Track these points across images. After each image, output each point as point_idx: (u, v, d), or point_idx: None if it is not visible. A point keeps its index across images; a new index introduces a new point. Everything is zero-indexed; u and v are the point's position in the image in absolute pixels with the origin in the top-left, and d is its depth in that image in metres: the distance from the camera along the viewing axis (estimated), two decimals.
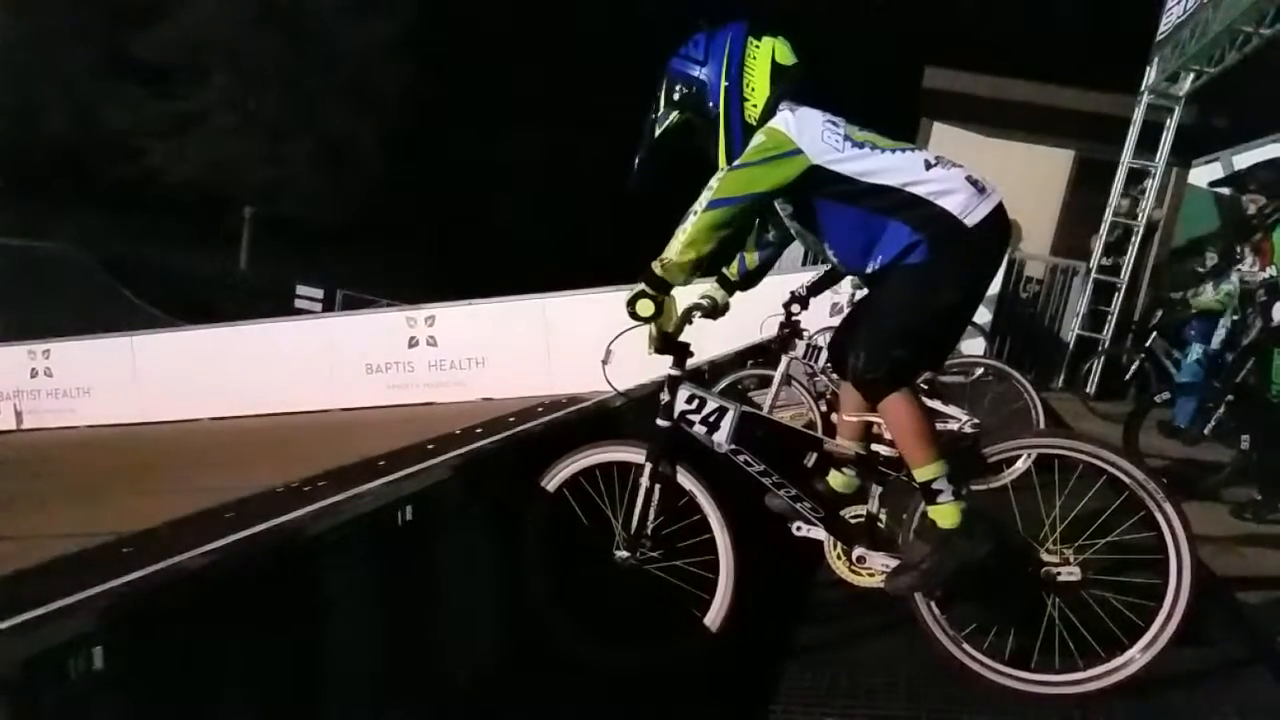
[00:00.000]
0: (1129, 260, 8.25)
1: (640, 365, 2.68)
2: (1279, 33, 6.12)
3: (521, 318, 8.94)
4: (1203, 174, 9.49)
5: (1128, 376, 7.27)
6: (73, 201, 21.43)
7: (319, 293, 19.05)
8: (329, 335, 10.32)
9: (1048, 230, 10.38)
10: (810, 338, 4.73)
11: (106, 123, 22.96)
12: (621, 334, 2.50)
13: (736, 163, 2.38)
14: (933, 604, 2.42)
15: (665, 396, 2.55)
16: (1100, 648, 2.33)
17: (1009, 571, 2.37)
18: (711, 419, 2.52)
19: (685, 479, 2.56)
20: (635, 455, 2.58)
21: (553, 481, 2.67)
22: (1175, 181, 9.24)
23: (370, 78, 24.69)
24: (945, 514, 2.34)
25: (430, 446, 6.38)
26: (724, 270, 2.93)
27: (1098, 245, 8.36)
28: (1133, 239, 8.23)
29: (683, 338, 2.58)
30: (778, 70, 2.51)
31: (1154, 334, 7.12)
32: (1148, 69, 8.12)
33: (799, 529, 2.57)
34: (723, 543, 2.52)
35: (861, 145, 2.42)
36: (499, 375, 9.01)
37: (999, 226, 2.49)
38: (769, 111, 2.46)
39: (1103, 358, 7.89)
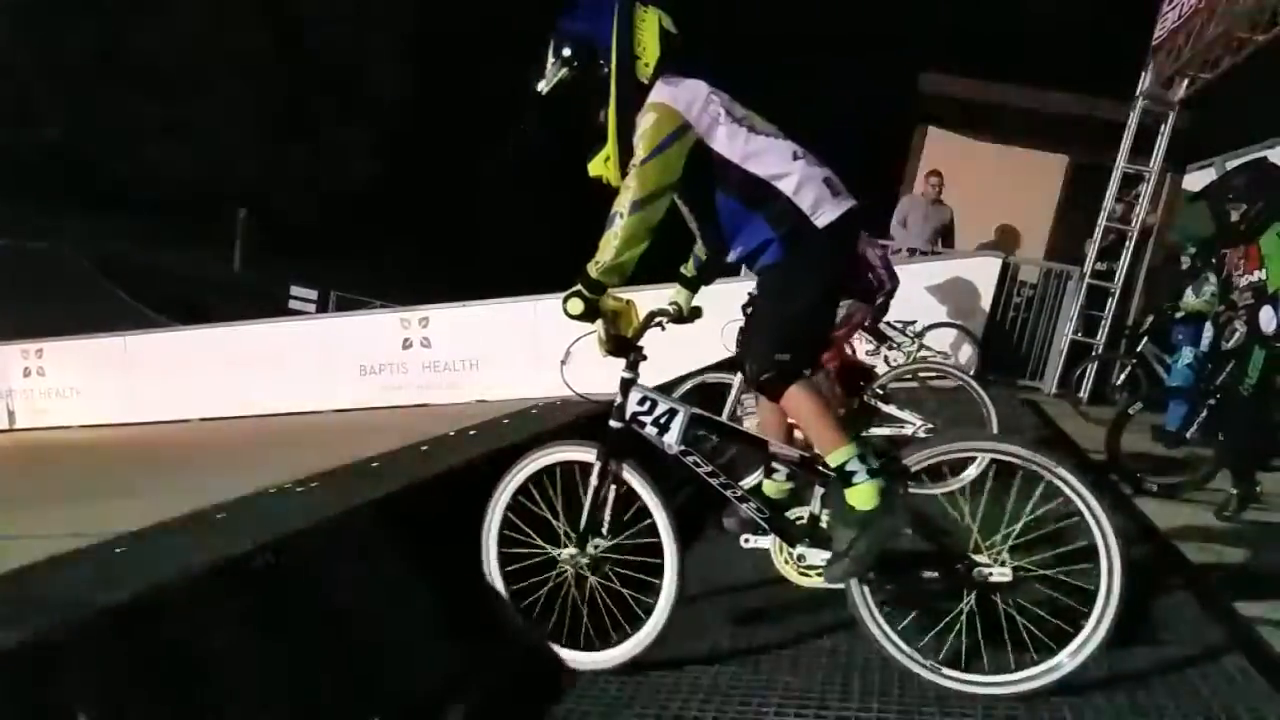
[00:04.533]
0: (1123, 265, 8.27)
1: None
2: (1273, 38, 6.14)
3: (516, 319, 8.92)
4: (1197, 179, 9.52)
5: (1118, 381, 7.29)
6: (66, 201, 21.35)
7: (313, 294, 19.01)
8: (323, 336, 10.31)
9: (1042, 235, 10.42)
10: None
11: (101, 123, 22.89)
12: (581, 337, 2.57)
13: (642, 156, 2.39)
14: (871, 604, 2.44)
15: (618, 398, 2.60)
16: (1032, 650, 2.36)
17: (941, 571, 2.41)
18: (662, 420, 2.57)
19: (634, 479, 2.61)
20: (587, 455, 2.63)
21: (510, 483, 2.72)
22: (1169, 187, 9.28)
23: (366, 79, 24.69)
24: (863, 495, 2.36)
25: (424, 448, 6.36)
26: (681, 270, 2.99)
27: (1091, 250, 8.37)
28: (1127, 244, 8.24)
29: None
30: (665, 35, 2.54)
31: (1144, 339, 7.14)
32: (1143, 74, 8.14)
33: (746, 541, 2.64)
34: (669, 543, 2.57)
35: (740, 121, 2.49)
36: (493, 377, 9.04)
37: (846, 232, 2.52)
38: (658, 74, 2.51)
39: (1096, 362, 7.91)
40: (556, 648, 2.68)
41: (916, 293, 8.38)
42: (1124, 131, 8.15)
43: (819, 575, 2.55)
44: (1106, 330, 8.24)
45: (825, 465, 2.45)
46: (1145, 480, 4.71)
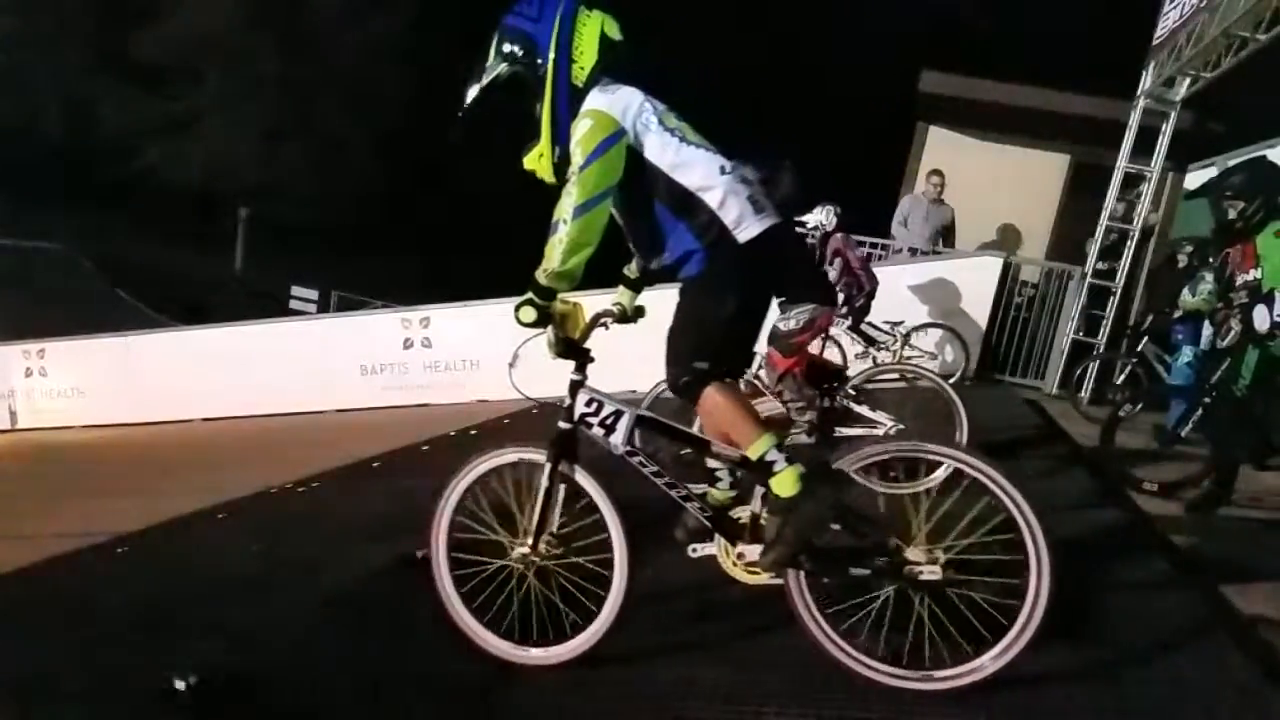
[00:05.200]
0: (1124, 264, 8.26)
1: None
2: (1275, 38, 6.13)
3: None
4: (1198, 179, 9.52)
5: (1119, 380, 7.28)
6: (68, 201, 21.37)
7: (314, 294, 19.04)
8: (324, 336, 10.31)
9: (1043, 234, 10.42)
10: None
11: (102, 123, 22.91)
12: (528, 340, 2.64)
13: (580, 163, 2.43)
14: (809, 600, 2.50)
15: (567, 399, 2.66)
16: (958, 648, 2.42)
17: (873, 568, 2.45)
18: (608, 422, 2.63)
19: (584, 480, 2.66)
20: (537, 456, 2.68)
21: (459, 484, 2.77)
22: (1171, 186, 9.27)
23: (366, 79, 24.68)
24: (784, 482, 2.42)
25: (425, 448, 6.38)
26: (624, 271, 3.05)
27: (1093, 249, 8.37)
28: (1128, 243, 8.24)
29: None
30: (606, 42, 2.60)
31: (1145, 338, 7.14)
32: (1144, 74, 8.14)
33: (694, 551, 2.69)
34: (619, 543, 2.62)
35: (672, 132, 2.54)
36: (494, 377, 8.93)
37: (769, 247, 2.56)
38: (594, 80, 2.56)
39: (1097, 362, 7.90)
40: (507, 644, 2.73)
41: (918, 292, 8.39)
42: (1125, 131, 8.14)
43: (760, 572, 2.60)
44: (1108, 330, 8.22)
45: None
46: (1142, 480, 4.73)
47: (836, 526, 2.46)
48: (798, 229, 7.46)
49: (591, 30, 2.61)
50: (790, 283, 4.70)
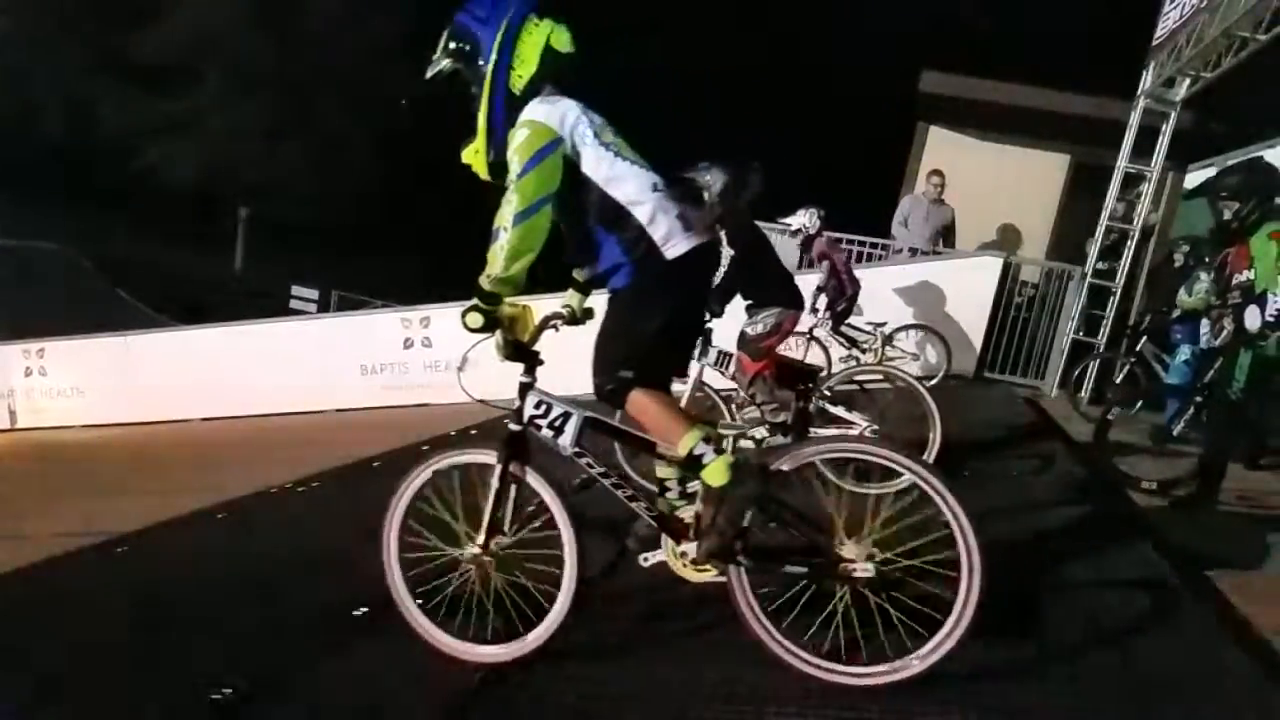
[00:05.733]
0: (1124, 264, 8.25)
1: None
2: (1275, 38, 6.13)
3: None
4: (1199, 178, 9.51)
5: (1117, 380, 7.28)
6: (67, 201, 21.35)
7: (314, 293, 19.03)
8: (324, 336, 10.30)
9: (1043, 234, 10.42)
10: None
11: (102, 122, 22.90)
12: (476, 344, 2.71)
13: (517, 171, 2.48)
14: (751, 597, 2.54)
15: (517, 401, 2.73)
16: (889, 645, 2.46)
17: (810, 565, 2.50)
18: (557, 423, 2.69)
19: (534, 480, 2.71)
20: (487, 457, 2.74)
21: (411, 486, 2.82)
22: (1171, 186, 9.27)
23: (366, 79, 24.65)
24: (714, 473, 2.48)
25: (425, 447, 6.37)
26: (574, 274, 3.11)
27: (1093, 249, 8.36)
28: (1128, 243, 8.23)
29: None
30: (550, 52, 2.67)
31: (1144, 338, 7.14)
32: (1144, 73, 8.13)
33: (645, 560, 2.73)
34: (569, 542, 2.67)
35: (608, 147, 2.61)
36: (494, 377, 8.90)
37: (697, 265, 2.64)
38: (532, 89, 2.64)
39: (1097, 361, 7.90)
40: (459, 642, 2.76)
41: (918, 292, 8.39)
42: (1126, 131, 8.14)
43: (707, 568, 2.65)
44: (1108, 330, 8.22)
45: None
46: (1141, 480, 4.74)
47: (774, 524, 2.51)
48: (786, 232, 7.53)
49: (536, 40, 2.67)
50: (756, 287, 4.80)
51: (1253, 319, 4.22)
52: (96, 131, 22.81)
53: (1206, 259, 6.38)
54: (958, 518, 2.37)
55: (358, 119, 24.90)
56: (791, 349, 6.84)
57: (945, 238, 9.41)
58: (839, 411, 4.61)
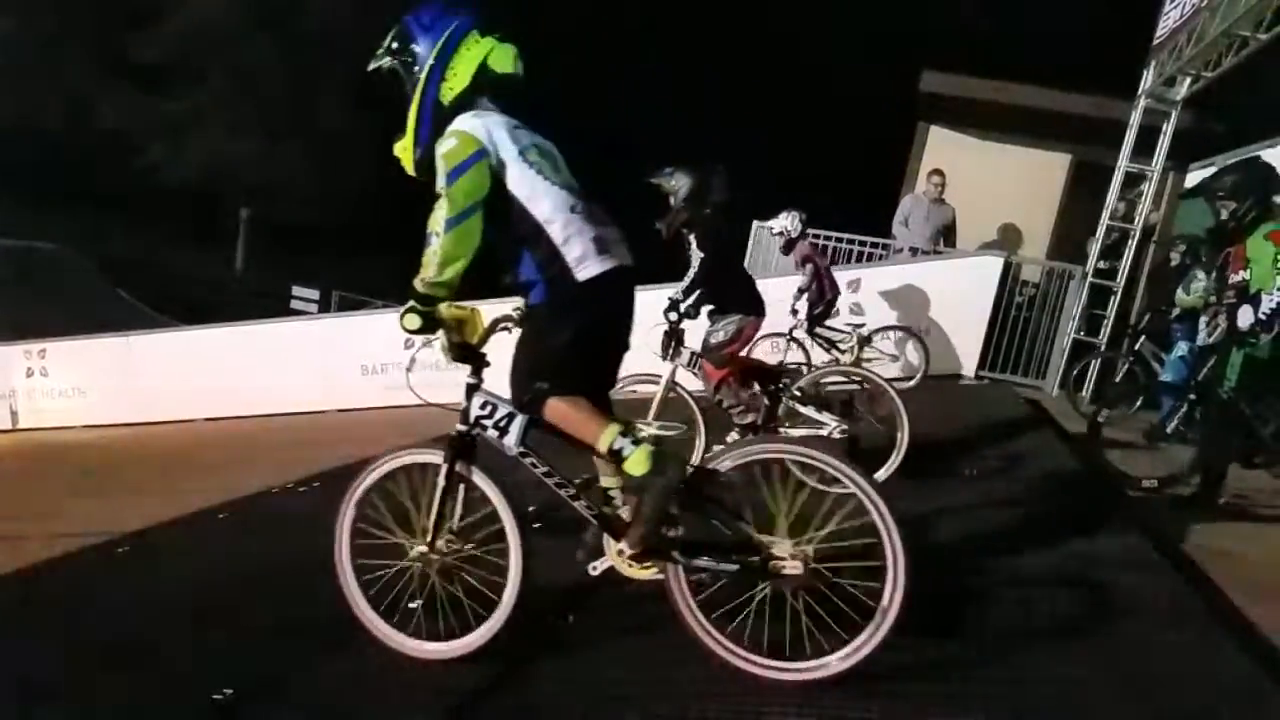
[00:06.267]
0: (1125, 264, 8.25)
1: None
2: (1276, 37, 6.13)
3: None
4: (1199, 178, 9.51)
5: (1116, 380, 7.28)
6: (69, 201, 21.37)
7: (315, 294, 19.06)
8: (324, 336, 10.31)
9: (1044, 234, 10.41)
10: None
11: (103, 123, 22.90)
12: (422, 346, 2.80)
13: (443, 181, 2.56)
14: (688, 595, 2.60)
15: (463, 402, 2.80)
16: (815, 641, 2.50)
17: (742, 562, 2.53)
18: (502, 423, 2.76)
19: (480, 480, 2.78)
20: (434, 458, 2.80)
21: (360, 488, 2.90)
22: (1172, 185, 9.26)
23: (366, 79, 24.61)
24: (635, 463, 2.53)
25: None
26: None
27: (1094, 249, 8.36)
28: (1129, 243, 8.23)
29: None
30: (485, 70, 2.75)
31: (1142, 337, 7.15)
32: (1145, 73, 8.13)
33: (594, 569, 2.75)
34: (514, 541, 2.72)
35: (531, 165, 2.67)
36: (496, 377, 8.89)
37: (606, 288, 2.67)
38: (463, 102, 2.72)
39: (1098, 361, 7.90)
40: (406, 638, 2.82)
41: (919, 292, 8.39)
42: (1126, 130, 8.13)
43: (648, 566, 2.70)
44: (1109, 329, 8.22)
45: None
46: (1141, 479, 4.75)
47: (705, 517, 2.57)
48: (771, 233, 7.57)
49: (473, 56, 2.75)
50: (718, 293, 4.85)
51: (1245, 318, 4.24)
52: (97, 131, 22.80)
53: (1204, 258, 6.39)
54: (885, 523, 2.42)
55: (358, 119, 24.90)
56: (777, 351, 6.89)
57: (946, 237, 9.41)
58: (809, 412, 4.67)
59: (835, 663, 2.47)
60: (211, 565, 4.05)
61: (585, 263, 2.64)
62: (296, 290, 19.04)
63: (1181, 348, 6.38)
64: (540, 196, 2.65)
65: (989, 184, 10.01)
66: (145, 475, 7.25)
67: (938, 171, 9.47)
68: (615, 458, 2.57)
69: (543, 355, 2.68)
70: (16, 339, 11.50)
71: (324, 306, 18.43)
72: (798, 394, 4.72)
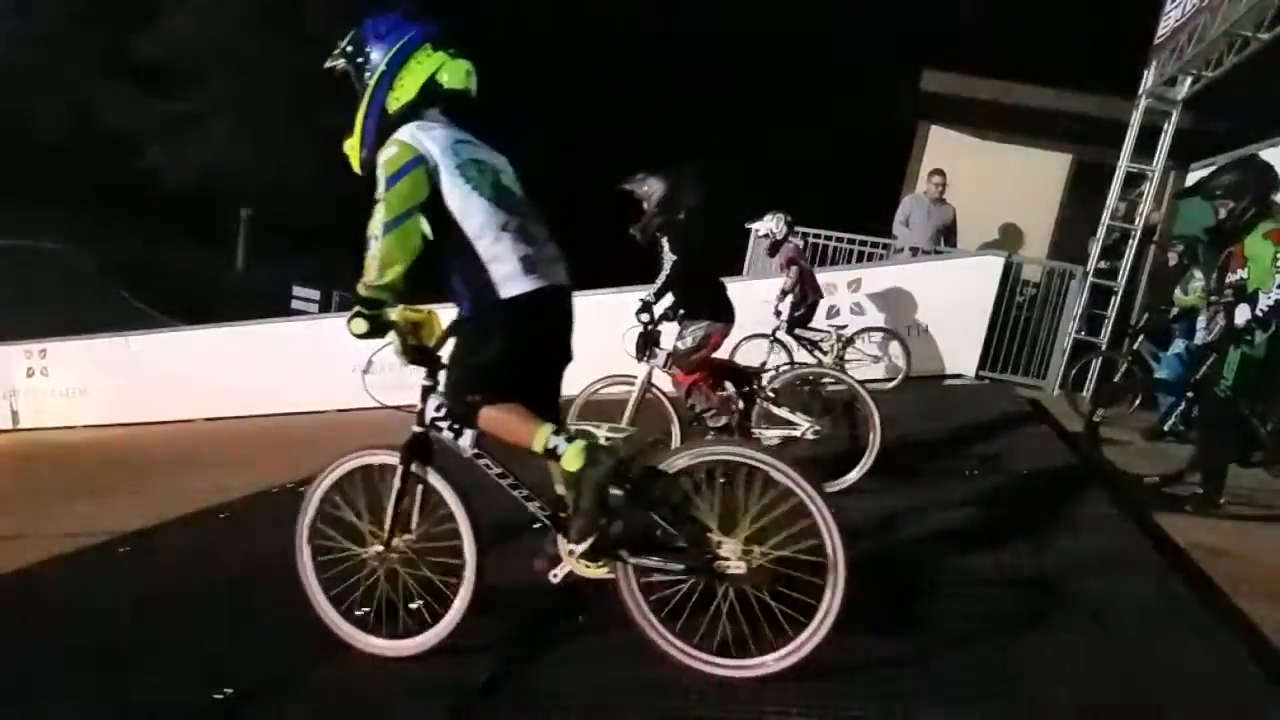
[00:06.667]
0: (1126, 264, 8.24)
1: None
2: (1277, 37, 6.12)
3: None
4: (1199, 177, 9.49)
5: (1116, 379, 7.28)
6: (69, 201, 21.36)
7: (315, 294, 19.02)
8: (325, 336, 10.29)
9: (1045, 234, 10.40)
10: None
11: (103, 123, 22.88)
12: (381, 348, 2.82)
13: (382, 187, 2.62)
14: (637, 591, 2.65)
15: (419, 404, 2.85)
16: (751, 640, 2.57)
17: (687, 562, 2.59)
18: (457, 426, 2.80)
19: (435, 480, 2.84)
20: (390, 459, 2.86)
21: (319, 489, 2.96)
22: (1173, 185, 9.25)
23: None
24: (570, 458, 2.59)
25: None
26: None
27: (1095, 249, 8.35)
28: (1130, 242, 8.22)
29: None
30: (433, 84, 2.80)
31: (1140, 337, 7.14)
32: (1146, 73, 8.12)
33: (555, 576, 2.77)
34: (468, 542, 2.78)
35: (468, 180, 2.69)
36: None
37: (533, 307, 2.70)
38: (410, 112, 2.78)
39: (1099, 361, 7.90)
40: (365, 635, 2.88)
41: (919, 292, 8.39)
42: (1127, 130, 8.12)
43: (599, 565, 2.72)
44: (1110, 329, 8.21)
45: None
46: (1143, 477, 4.75)
47: (650, 514, 2.60)
48: (756, 235, 7.60)
49: (423, 69, 2.81)
50: (686, 299, 4.88)
51: (1242, 317, 4.24)
52: (97, 131, 22.77)
53: (1201, 258, 6.39)
54: (827, 526, 2.46)
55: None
56: (760, 352, 6.92)
57: (946, 237, 9.40)
58: (782, 413, 4.72)
59: (771, 662, 2.53)
60: (211, 565, 4.05)
61: (510, 281, 2.68)
62: (296, 290, 19.01)
63: (1178, 345, 6.39)
64: (472, 212, 2.68)
65: (990, 184, 10.01)
66: (145, 475, 7.25)
67: (938, 171, 9.47)
68: (551, 456, 2.63)
69: (468, 371, 2.73)
70: (17, 339, 11.50)
71: (324, 306, 18.40)
72: (771, 395, 4.75)
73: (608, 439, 2.69)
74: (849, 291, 8.54)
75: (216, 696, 2.62)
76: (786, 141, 22.58)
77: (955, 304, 8.36)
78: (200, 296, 18.32)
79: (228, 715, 2.60)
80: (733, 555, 2.54)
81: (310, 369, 9.73)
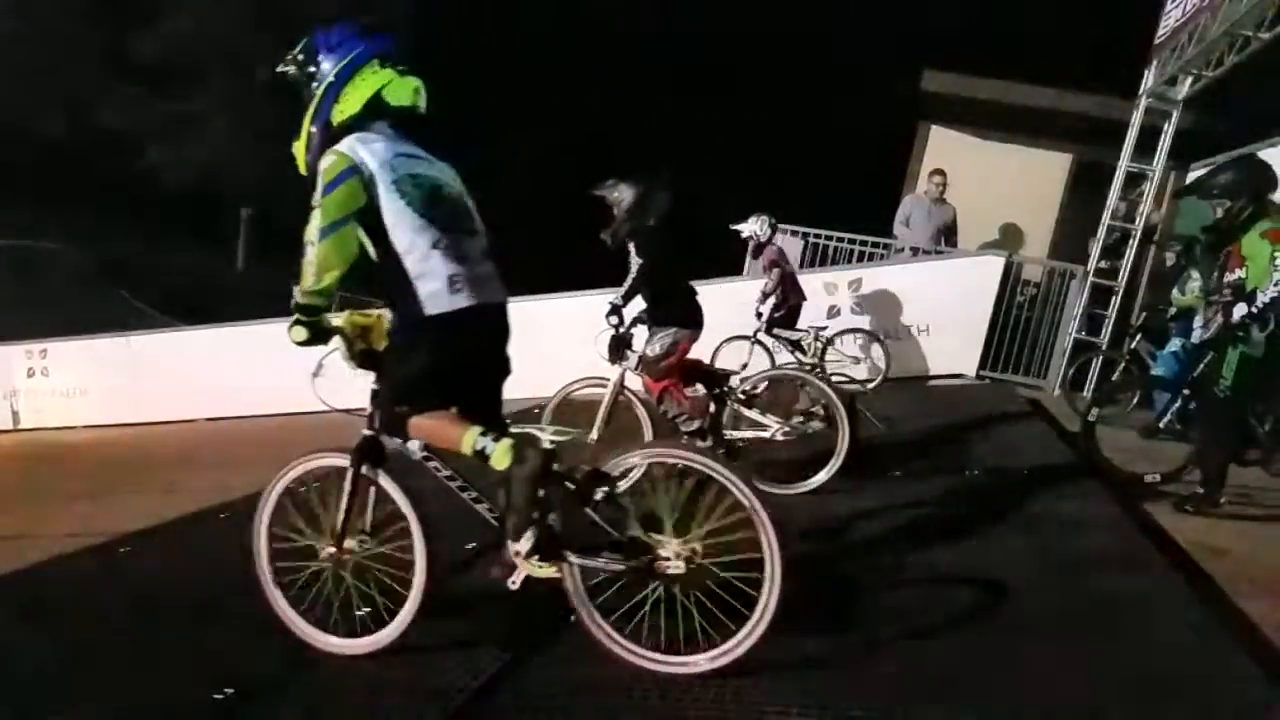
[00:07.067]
0: (1126, 263, 8.24)
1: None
2: (1277, 36, 6.12)
3: (513, 319, 8.77)
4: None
5: (1114, 379, 7.28)
6: (70, 201, 21.36)
7: None
8: None
9: (1045, 233, 10.41)
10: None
11: (103, 122, 22.87)
12: (330, 352, 2.86)
13: (319, 194, 2.64)
14: (583, 590, 2.70)
15: (368, 407, 2.89)
16: (696, 636, 2.60)
17: (630, 562, 2.61)
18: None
19: (386, 483, 2.88)
20: (341, 462, 2.91)
21: (273, 491, 3.02)
22: (1173, 185, 9.25)
23: None
24: (498, 457, 2.63)
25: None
26: None
27: (1095, 248, 8.35)
28: (1130, 242, 8.22)
29: None
30: (378, 100, 2.82)
31: (1138, 336, 7.14)
32: (1146, 72, 8.12)
33: (513, 583, 2.77)
34: (419, 544, 2.82)
35: (402, 195, 2.70)
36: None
37: (458, 325, 2.72)
38: (350, 126, 2.78)
39: (1099, 361, 7.89)
40: (320, 633, 2.93)
41: (920, 292, 8.39)
42: (1127, 130, 8.12)
43: (549, 566, 2.72)
44: (1110, 329, 8.21)
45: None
46: (1144, 475, 4.76)
47: (587, 511, 2.64)
48: (740, 236, 7.61)
49: (368, 84, 2.81)
50: (654, 305, 4.91)
51: (1239, 313, 4.24)
52: (97, 131, 22.77)
53: (1199, 257, 6.39)
54: (764, 527, 2.49)
55: None
56: (743, 355, 6.94)
57: (947, 237, 9.40)
58: (753, 415, 4.76)
59: (703, 661, 2.58)
60: (211, 565, 4.05)
61: (435, 299, 2.69)
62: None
63: (1175, 343, 6.39)
64: (403, 227, 2.69)
65: (990, 184, 10.01)
66: (145, 475, 7.25)
67: (939, 171, 9.47)
68: (481, 458, 2.65)
69: (396, 383, 2.79)
70: (18, 339, 11.50)
71: None
72: (742, 397, 4.78)
73: (552, 441, 2.68)
74: (849, 291, 8.54)
75: (216, 696, 2.62)
76: (787, 141, 22.59)
77: (956, 304, 8.36)
78: (200, 296, 18.33)
79: (228, 715, 2.60)
80: (674, 556, 2.58)
81: (310, 369, 9.72)
